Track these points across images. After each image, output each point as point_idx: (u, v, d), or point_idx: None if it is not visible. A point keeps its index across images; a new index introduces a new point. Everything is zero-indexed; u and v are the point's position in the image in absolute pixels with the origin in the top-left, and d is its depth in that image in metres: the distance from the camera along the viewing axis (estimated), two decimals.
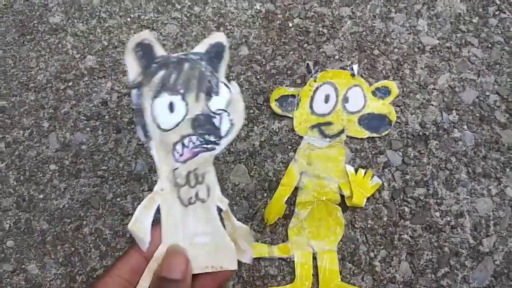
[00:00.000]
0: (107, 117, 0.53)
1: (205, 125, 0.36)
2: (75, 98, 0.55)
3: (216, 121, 0.36)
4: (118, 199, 0.47)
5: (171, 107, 0.35)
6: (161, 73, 0.35)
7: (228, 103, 0.36)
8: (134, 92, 0.34)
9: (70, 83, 0.56)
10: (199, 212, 0.36)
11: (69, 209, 0.47)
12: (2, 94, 0.56)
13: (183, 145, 0.35)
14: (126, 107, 0.54)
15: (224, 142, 0.36)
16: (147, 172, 0.49)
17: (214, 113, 0.36)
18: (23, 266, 0.46)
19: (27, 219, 0.47)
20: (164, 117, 0.35)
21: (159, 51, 0.35)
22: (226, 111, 0.36)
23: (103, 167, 0.50)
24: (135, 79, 0.34)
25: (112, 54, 0.56)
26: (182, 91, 0.35)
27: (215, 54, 0.37)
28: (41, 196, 0.49)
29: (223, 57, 0.37)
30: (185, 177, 0.35)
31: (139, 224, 0.33)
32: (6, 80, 0.56)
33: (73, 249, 0.45)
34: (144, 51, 0.35)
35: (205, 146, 0.35)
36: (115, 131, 0.51)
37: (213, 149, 0.36)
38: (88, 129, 0.52)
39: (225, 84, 0.36)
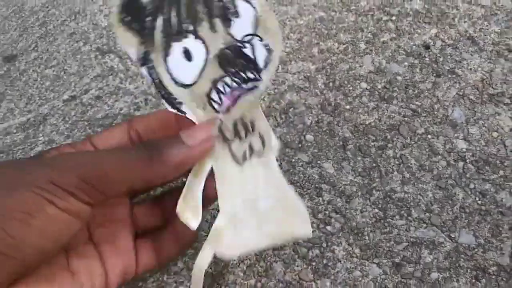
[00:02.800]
0: (427, 59, 0.49)
1: (235, 59, 0.28)
2: (396, 32, 0.53)
3: (247, 51, 0.28)
4: (429, 136, 0.45)
5: (186, 54, 0.28)
6: (159, 21, 0.27)
7: (256, 22, 0.28)
8: (143, 69, 0.28)
9: (394, 18, 0.55)
10: (257, 170, 0.30)
11: (375, 127, 0.45)
12: (323, 6, 0.57)
13: (219, 91, 0.28)
14: (449, 56, 0.51)
15: (265, 76, 0.28)
16: (463, 122, 0.48)
17: (241, 41, 0.28)
18: (318, 162, 0.45)
19: (330, 122, 0.46)
20: (184, 71, 0.28)
21: None
22: (256, 34, 0.29)
23: (417, 103, 0.46)
24: (138, 54, 0.27)
25: (440, 5, 0.57)
26: (190, 28, 0.27)
27: None
28: (347, 107, 0.47)
29: None
30: (232, 129, 0.29)
31: (189, 199, 0.27)
32: None
33: (374, 165, 0.42)
34: (130, 10, 0.27)
35: (244, 86, 0.28)
36: (434, 74, 0.48)
37: (255, 87, 0.28)
38: (406, 63, 0.49)
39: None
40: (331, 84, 0.51)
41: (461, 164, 0.44)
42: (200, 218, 0.29)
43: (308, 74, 0.53)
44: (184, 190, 0.28)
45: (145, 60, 0.28)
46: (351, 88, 0.51)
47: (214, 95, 0.29)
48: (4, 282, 0.22)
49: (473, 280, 0.37)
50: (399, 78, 0.50)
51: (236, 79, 0.29)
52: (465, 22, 0.54)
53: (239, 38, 0.28)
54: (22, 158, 0.31)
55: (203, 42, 0.28)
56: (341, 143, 0.47)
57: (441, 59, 0.52)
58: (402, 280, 0.38)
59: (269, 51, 0.29)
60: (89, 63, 0.54)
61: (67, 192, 0.23)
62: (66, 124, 0.50)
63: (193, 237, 0.31)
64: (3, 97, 0.53)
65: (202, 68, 0.28)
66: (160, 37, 0.27)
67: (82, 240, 0.28)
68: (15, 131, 0.48)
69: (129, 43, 0.27)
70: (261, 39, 0.29)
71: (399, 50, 0.53)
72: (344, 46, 0.54)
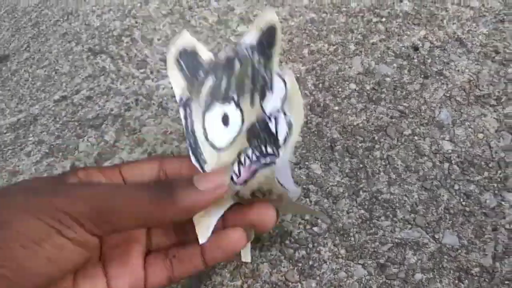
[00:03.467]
0: (416, 60, 0.50)
1: (260, 133, 0.29)
2: (385, 34, 0.54)
3: (271, 125, 0.29)
4: (416, 137, 0.47)
5: (225, 119, 0.30)
6: (210, 81, 0.30)
7: (285, 97, 0.29)
8: (181, 111, 0.29)
9: (383, 19, 0.55)
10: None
11: (363, 128, 0.46)
12: (314, 8, 0.58)
13: (239, 162, 0.29)
14: (437, 57, 0.52)
15: (283, 152, 0.29)
16: (449, 124, 0.48)
17: (269, 115, 0.29)
18: (306, 163, 0.46)
19: (319, 123, 0.46)
20: (219, 133, 0.30)
21: (205, 55, 0.30)
22: (282, 109, 0.29)
23: (405, 104, 0.47)
24: (181, 96, 0.29)
25: (429, 7, 0.57)
26: (235, 97, 0.30)
27: (267, 40, 0.30)
28: (336, 108, 0.48)
29: (275, 40, 0.29)
30: (250, 195, 0.30)
31: (205, 218, 0.29)
32: None
33: (361, 165, 0.43)
34: (188, 59, 0.30)
35: (262, 160, 0.29)
36: (422, 76, 0.48)
37: (273, 162, 0.29)
38: (394, 65, 0.50)
39: (278, 75, 0.29)
40: (320, 85, 0.51)
41: (446, 165, 0.45)
42: (207, 237, 0.30)
43: (298, 75, 0.53)
44: (205, 210, 0.29)
45: (185, 105, 0.30)
46: (340, 89, 0.51)
47: (235, 167, 0.30)
48: None
49: (456, 281, 0.38)
50: (387, 79, 0.51)
51: (256, 152, 0.29)
52: (453, 23, 0.55)
53: (268, 112, 0.30)
54: (44, 177, 0.31)
55: (242, 113, 0.30)
56: (329, 144, 0.47)
57: (429, 60, 0.52)
58: (387, 281, 0.39)
59: (290, 126, 0.30)
60: (80, 64, 0.55)
61: (77, 223, 0.23)
62: (57, 124, 0.50)
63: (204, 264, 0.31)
64: None
65: (234, 138, 0.30)
66: (205, 94, 0.30)
67: (92, 260, 0.28)
68: (5, 131, 0.49)
69: (177, 84, 0.30)
70: (285, 114, 0.30)
71: (388, 51, 0.53)
72: (334, 47, 0.54)
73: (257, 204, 0.30)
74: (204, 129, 0.30)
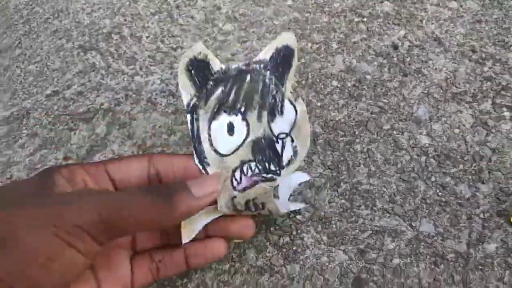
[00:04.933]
0: (395, 59, 0.53)
1: (266, 150, 0.32)
2: (367, 33, 0.56)
3: (278, 146, 0.32)
4: (395, 132, 0.48)
5: (230, 128, 0.32)
6: (219, 91, 0.31)
7: (293, 125, 0.32)
8: (188, 116, 0.31)
9: (365, 19, 0.58)
10: None
11: (344, 123, 0.49)
12: (298, 7, 0.60)
13: (242, 171, 0.32)
14: (415, 56, 0.54)
15: (284, 173, 0.32)
16: (427, 119, 0.50)
17: (276, 137, 0.32)
18: None
19: None
20: (223, 141, 0.32)
21: (216, 65, 0.31)
22: (290, 135, 0.32)
23: (384, 100, 0.49)
24: (189, 102, 0.31)
25: (409, 8, 0.59)
26: (242, 109, 0.31)
27: (281, 60, 0.32)
28: (319, 104, 0.50)
29: (291, 65, 0.32)
30: (244, 204, 0.32)
31: (192, 223, 0.30)
32: None
33: (342, 158, 0.46)
34: (198, 68, 0.31)
35: (264, 175, 0.32)
36: (401, 74, 0.51)
37: (273, 179, 0.32)
38: (375, 63, 0.52)
39: (290, 101, 0.32)
40: (304, 82, 0.54)
41: (423, 158, 0.47)
42: (190, 238, 0.31)
43: None
44: (191, 217, 0.30)
45: (193, 111, 0.31)
46: (322, 86, 0.53)
47: (237, 174, 0.32)
48: None
49: (432, 266, 0.40)
50: (368, 77, 0.53)
51: (259, 166, 0.32)
52: (432, 23, 0.57)
53: (276, 133, 0.32)
54: (29, 180, 0.30)
55: (247, 126, 0.32)
56: (311, 138, 0.48)
57: (408, 59, 0.54)
58: (366, 265, 0.41)
59: (295, 153, 0.33)
60: (71, 60, 0.56)
61: (87, 233, 0.23)
62: (49, 118, 0.52)
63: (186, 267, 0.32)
64: None
65: (238, 147, 0.32)
66: (214, 103, 0.31)
67: None
68: None
69: (185, 89, 0.31)
70: (292, 140, 0.33)
71: (369, 50, 0.56)
72: (317, 45, 0.56)
73: (238, 217, 0.32)
74: (209, 135, 0.32)
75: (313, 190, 0.45)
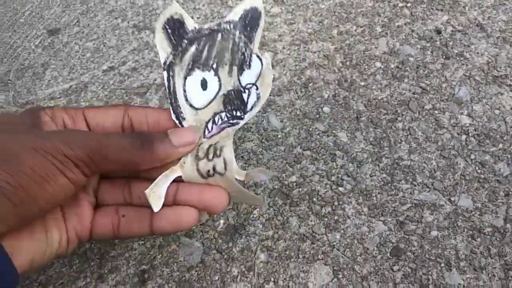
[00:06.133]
0: (438, 43, 0.54)
1: (235, 101, 0.33)
2: (410, 17, 0.57)
3: (245, 96, 0.34)
4: (436, 111, 0.50)
5: (203, 84, 0.33)
6: (192, 49, 0.32)
7: (259, 75, 0.34)
8: (165, 73, 0.32)
9: (409, 4, 0.59)
10: (219, 182, 0.34)
11: (387, 102, 0.50)
12: None
13: (213, 121, 0.33)
14: (458, 41, 0.55)
15: (247, 116, 0.34)
16: (468, 100, 0.51)
17: (244, 87, 0.34)
18: (334, 131, 0.49)
19: (346, 96, 0.51)
20: (197, 96, 0.33)
21: (190, 24, 0.32)
22: (255, 85, 0.34)
23: (426, 81, 0.51)
24: (165, 60, 0.32)
25: None
26: (214, 66, 0.33)
27: (249, 21, 0.33)
28: (362, 83, 0.52)
29: (258, 24, 0.33)
30: (205, 150, 0.33)
31: (156, 189, 0.31)
32: None
33: (384, 135, 0.48)
34: (174, 27, 0.32)
35: (231, 121, 0.33)
36: (444, 57, 0.52)
37: (237, 123, 0.33)
38: (418, 46, 0.54)
39: (257, 56, 0.34)
40: (348, 62, 0.55)
41: (464, 137, 0.49)
42: (160, 206, 0.32)
43: (327, 53, 0.57)
44: (154, 182, 0.29)
45: (169, 68, 0.32)
46: (366, 66, 0.55)
47: (209, 124, 0.34)
48: (3, 232, 0.24)
49: (470, 239, 0.42)
50: (411, 59, 0.54)
51: (228, 115, 0.34)
52: (475, 10, 0.58)
53: (243, 84, 0.34)
54: (19, 114, 0.32)
55: (219, 81, 0.34)
56: (355, 115, 0.51)
57: (450, 43, 0.55)
58: (405, 236, 0.43)
59: (258, 98, 0.35)
60: (126, 38, 0.59)
61: (74, 164, 0.26)
62: (105, 91, 0.55)
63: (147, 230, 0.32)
64: (47, 66, 0.58)
65: (211, 100, 0.34)
66: (188, 60, 0.33)
67: None
68: (58, 96, 0.54)
69: (162, 48, 0.32)
70: (257, 88, 0.35)
71: (412, 34, 0.57)
72: (362, 29, 0.58)
73: (210, 186, 0.32)
74: (184, 90, 0.31)
75: (355, 164, 0.47)
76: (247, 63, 0.32)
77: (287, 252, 0.42)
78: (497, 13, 0.55)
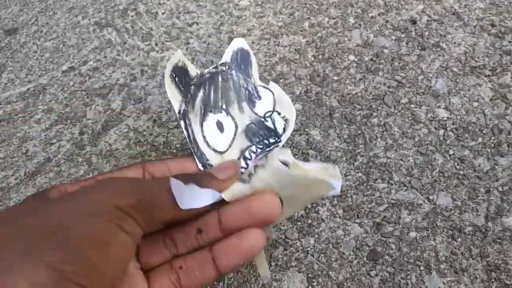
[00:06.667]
0: (413, 33, 0.52)
1: (259, 131, 0.34)
2: (384, 8, 0.55)
3: (269, 123, 0.34)
4: (412, 105, 0.48)
5: (220, 126, 0.34)
6: (200, 93, 0.34)
7: (274, 102, 0.35)
8: (182, 123, 0.32)
9: None
10: (263, 176, 0.32)
11: (361, 97, 0.48)
12: None
13: (245, 158, 0.33)
14: (434, 30, 0.53)
15: (284, 138, 0.34)
16: (445, 93, 0.49)
17: (264, 116, 0.35)
18: (306, 129, 0.47)
19: (318, 92, 0.48)
20: (217, 139, 0.33)
21: (192, 70, 0.34)
22: (275, 110, 0.35)
23: (402, 74, 0.48)
24: (179, 109, 0.33)
25: None
26: (224, 106, 0.34)
27: (241, 59, 0.35)
28: (335, 78, 0.49)
29: (250, 61, 0.36)
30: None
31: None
32: None
33: (359, 132, 0.45)
34: (180, 75, 0.33)
35: (267, 149, 0.33)
36: (419, 48, 0.50)
37: (276, 146, 0.33)
38: (393, 37, 0.51)
39: (264, 87, 0.35)
40: (320, 56, 0.53)
41: (441, 131, 0.46)
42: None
43: (299, 47, 0.55)
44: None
45: (184, 117, 0.33)
46: (339, 60, 0.52)
47: (242, 163, 0.33)
48: None
49: (450, 239, 0.39)
50: (385, 51, 0.52)
51: (259, 146, 0.34)
52: None
53: (261, 114, 0.35)
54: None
55: (233, 119, 0.34)
56: (328, 111, 0.48)
57: (426, 33, 0.53)
58: (382, 238, 0.40)
59: (286, 120, 0.35)
60: (87, 36, 0.56)
61: (128, 215, 0.23)
62: (65, 93, 0.52)
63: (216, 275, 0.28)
64: (4, 68, 0.55)
65: (232, 141, 0.34)
66: (199, 105, 0.34)
67: None
68: (15, 100, 0.51)
69: (173, 97, 0.33)
70: (279, 113, 0.35)
71: (386, 24, 0.55)
72: (334, 20, 0.55)
73: (252, 196, 0.28)
74: (204, 136, 0.33)
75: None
76: (255, 95, 0.34)
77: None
78: (474, 0, 0.53)
